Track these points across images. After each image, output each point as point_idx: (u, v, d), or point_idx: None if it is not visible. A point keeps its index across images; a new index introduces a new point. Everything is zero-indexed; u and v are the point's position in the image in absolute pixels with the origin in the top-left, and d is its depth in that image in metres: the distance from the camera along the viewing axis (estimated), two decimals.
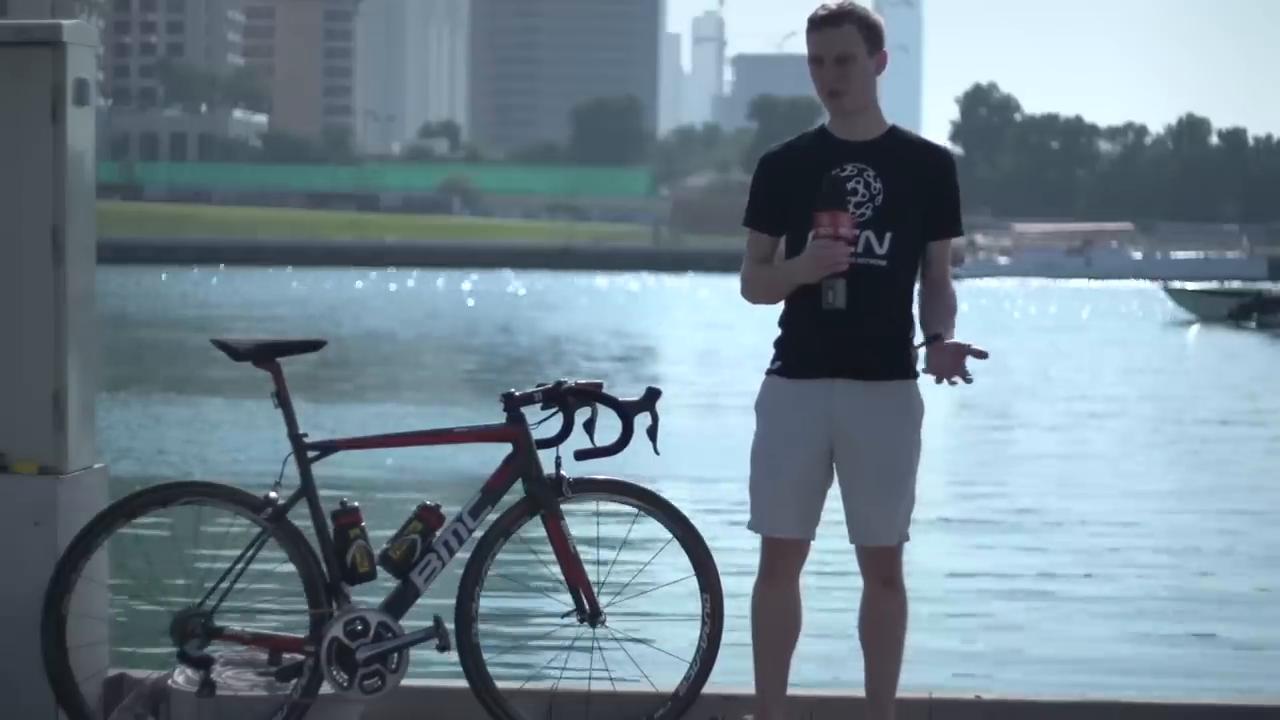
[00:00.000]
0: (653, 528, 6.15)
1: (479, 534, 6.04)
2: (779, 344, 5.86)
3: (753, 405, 5.92)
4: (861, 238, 5.68)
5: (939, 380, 5.65)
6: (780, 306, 5.85)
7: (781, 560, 5.87)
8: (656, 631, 8.02)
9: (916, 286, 5.85)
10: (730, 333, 46.39)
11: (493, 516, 6.04)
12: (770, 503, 5.81)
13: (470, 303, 66.87)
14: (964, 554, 13.97)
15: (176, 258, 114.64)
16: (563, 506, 6.05)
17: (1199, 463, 20.76)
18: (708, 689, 6.18)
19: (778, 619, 5.91)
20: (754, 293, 5.89)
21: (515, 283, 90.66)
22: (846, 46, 5.69)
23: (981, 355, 5.65)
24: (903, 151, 5.77)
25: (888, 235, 5.70)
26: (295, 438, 5.95)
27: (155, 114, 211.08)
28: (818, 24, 5.72)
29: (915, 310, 5.82)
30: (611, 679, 6.33)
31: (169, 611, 5.95)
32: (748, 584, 5.95)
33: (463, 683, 6.08)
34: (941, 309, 5.79)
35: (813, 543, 5.91)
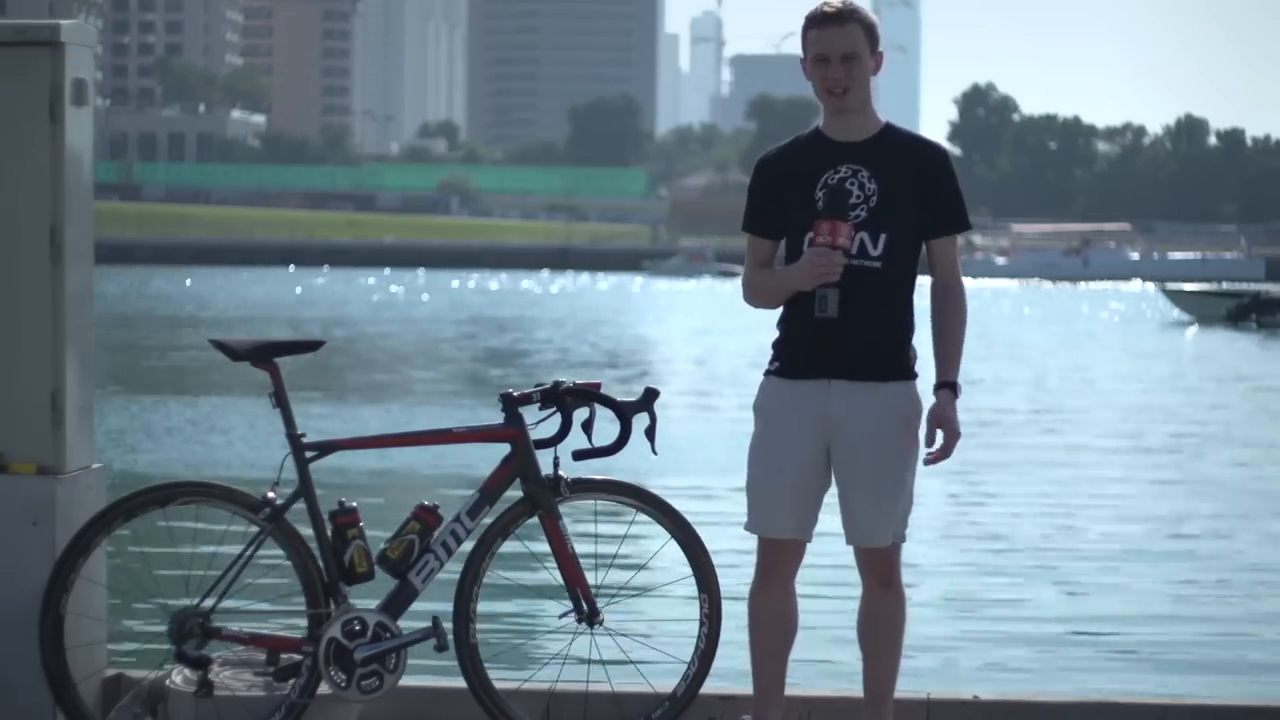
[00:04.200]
0: (650, 528, 6.16)
1: (477, 534, 6.04)
2: (777, 345, 5.86)
3: (749, 405, 5.92)
4: (856, 239, 5.68)
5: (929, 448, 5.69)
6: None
7: (778, 561, 5.87)
8: (654, 632, 8.02)
9: (928, 287, 5.83)
10: (728, 333, 46.41)
11: (491, 517, 6.04)
12: (767, 503, 5.81)
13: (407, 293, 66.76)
14: (962, 554, 13.96)
15: (174, 258, 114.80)
16: (561, 507, 6.04)
17: (1200, 463, 20.76)
18: (706, 689, 6.18)
19: (775, 619, 5.91)
20: (754, 297, 5.89)
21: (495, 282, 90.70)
22: (852, 45, 5.70)
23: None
24: (896, 150, 5.76)
25: (882, 237, 5.70)
26: (293, 438, 5.95)
27: (153, 114, 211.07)
28: (821, 22, 5.71)
29: (928, 315, 5.80)
30: (609, 679, 6.34)
31: (167, 611, 5.95)
32: (745, 584, 5.95)
33: (461, 683, 6.09)
34: (949, 328, 5.74)
35: (809, 543, 5.91)
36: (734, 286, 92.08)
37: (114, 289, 68.40)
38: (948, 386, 5.72)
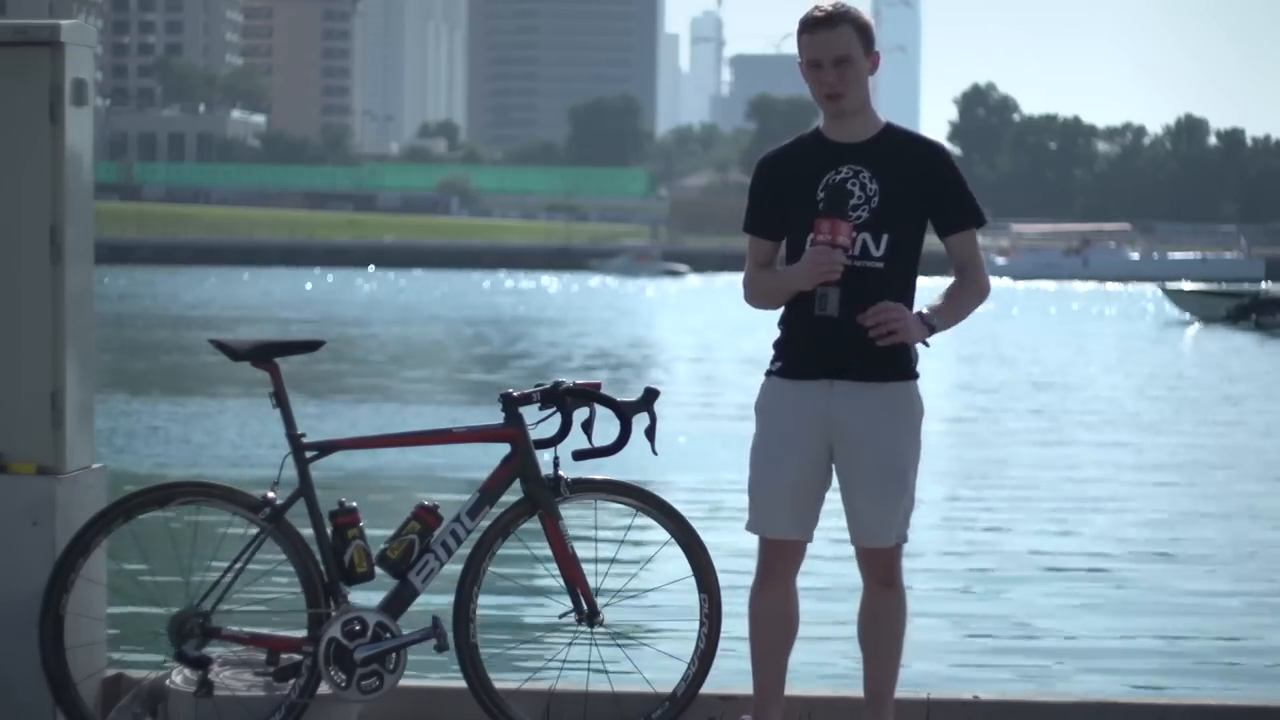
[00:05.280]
0: (651, 528, 6.15)
1: (477, 534, 6.04)
2: (778, 345, 5.86)
3: (748, 406, 5.92)
4: (858, 240, 5.67)
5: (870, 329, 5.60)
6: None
7: (779, 560, 5.87)
8: (654, 632, 8.02)
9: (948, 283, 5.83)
10: (728, 333, 46.39)
11: (490, 518, 6.03)
12: (768, 503, 5.81)
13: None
14: (963, 554, 13.97)
15: (174, 258, 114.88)
16: (560, 507, 6.04)
17: (1200, 464, 20.76)
18: (706, 689, 6.18)
19: (775, 619, 5.90)
20: (755, 298, 5.89)
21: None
22: (844, 48, 5.68)
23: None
24: (897, 150, 5.75)
25: (884, 237, 5.70)
26: (293, 438, 5.95)
27: (153, 114, 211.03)
28: (812, 26, 5.69)
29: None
30: (609, 679, 6.33)
31: (167, 611, 5.95)
32: (746, 584, 5.95)
33: (461, 683, 6.08)
34: (963, 294, 5.74)
35: (809, 543, 5.91)
36: (681, 286, 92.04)
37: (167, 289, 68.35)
38: (923, 317, 5.68)
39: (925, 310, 5.71)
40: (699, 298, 76.89)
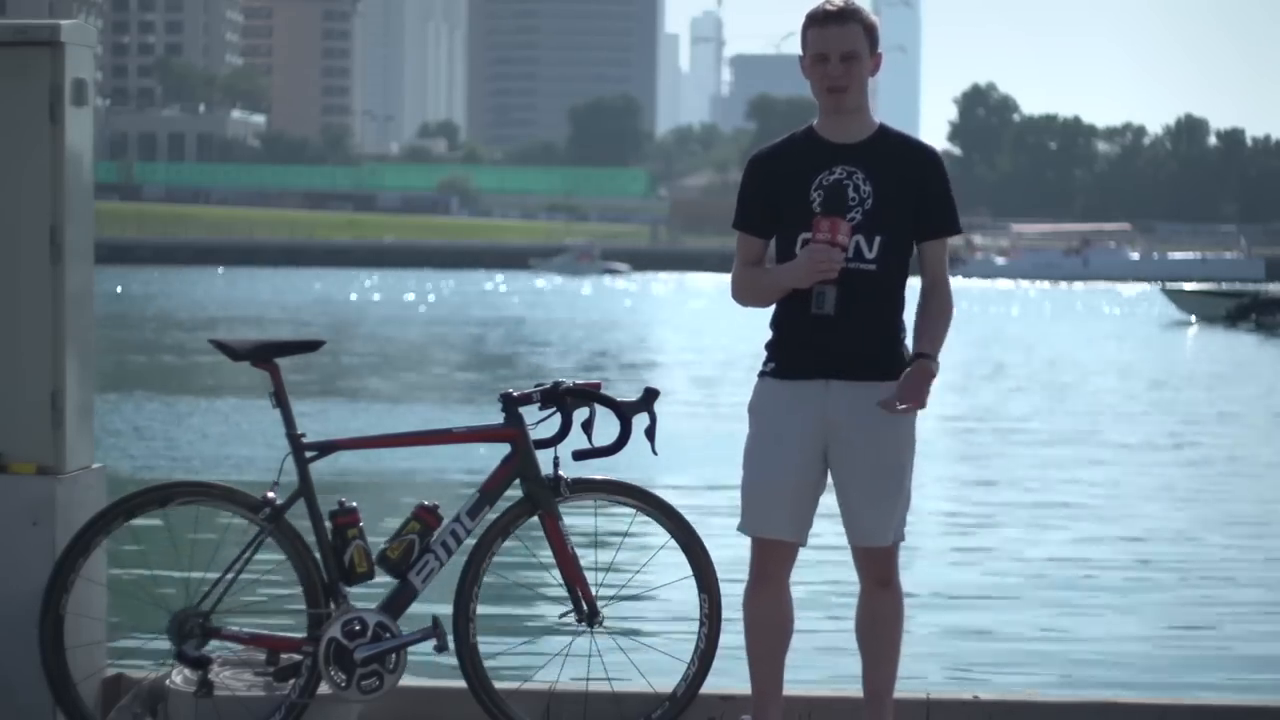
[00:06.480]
0: (651, 528, 6.15)
1: (477, 534, 6.04)
2: (770, 346, 5.85)
3: (746, 407, 5.92)
4: (852, 241, 5.67)
5: (899, 406, 5.61)
6: (772, 308, 5.84)
7: (771, 563, 5.86)
8: (654, 632, 8.02)
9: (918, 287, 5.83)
10: (726, 334, 46.40)
11: (491, 517, 6.04)
12: (762, 505, 5.80)
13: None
14: (961, 553, 13.96)
15: (174, 258, 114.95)
16: (561, 507, 6.04)
17: (1199, 463, 20.76)
18: (706, 689, 6.18)
19: (770, 620, 5.90)
20: (744, 295, 5.88)
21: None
22: (852, 44, 5.70)
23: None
24: (891, 152, 5.76)
25: (877, 239, 5.70)
26: (293, 438, 5.95)
27: (153, 114, 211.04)
28: (822, 20, 5.71)
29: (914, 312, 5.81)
30: (609, 679, 6.34)
31: (167, 611, 5.95)
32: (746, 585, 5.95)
33: (461, 683, 6.09)
34: (933, 320, 5.75)
35: (803, 547, 5.90)
36: (624, 284, 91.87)
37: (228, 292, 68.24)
38: (925, 356, 5.68)
39: (924, 353, 5.67)
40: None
